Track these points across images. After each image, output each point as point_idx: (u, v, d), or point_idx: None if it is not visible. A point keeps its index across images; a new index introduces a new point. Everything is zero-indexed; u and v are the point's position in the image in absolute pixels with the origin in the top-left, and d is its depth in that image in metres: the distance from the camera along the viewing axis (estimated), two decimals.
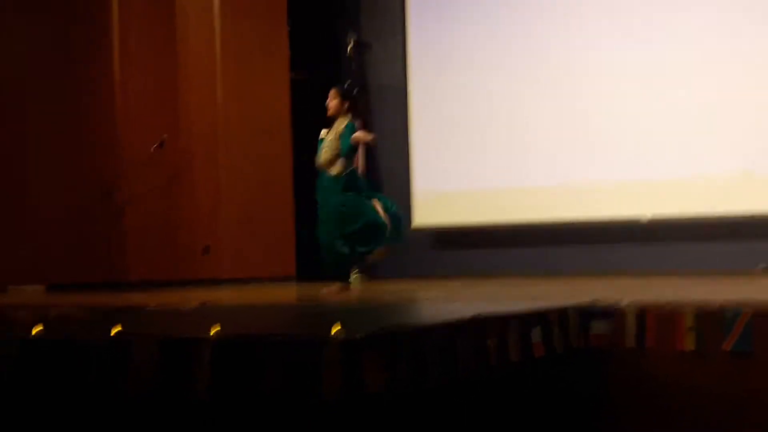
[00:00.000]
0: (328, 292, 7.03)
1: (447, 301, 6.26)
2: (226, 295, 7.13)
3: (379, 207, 7.13)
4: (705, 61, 9.02)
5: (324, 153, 7.08)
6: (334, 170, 7.04)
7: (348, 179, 7.10)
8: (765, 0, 8.88)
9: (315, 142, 7.31)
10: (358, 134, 7.02)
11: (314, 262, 7.41)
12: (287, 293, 7.13)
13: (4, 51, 10.03)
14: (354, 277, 7.27)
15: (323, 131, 7.17)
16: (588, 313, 4.71)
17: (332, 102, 7.12)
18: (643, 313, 4.61)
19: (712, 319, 4.46)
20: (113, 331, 3.61)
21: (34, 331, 3.75)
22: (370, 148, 10.72)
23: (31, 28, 10.09)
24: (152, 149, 9.69)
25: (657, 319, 4.57)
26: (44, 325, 3.89)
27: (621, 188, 9.36)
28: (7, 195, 9.99)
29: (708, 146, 9.00)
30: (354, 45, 10.87)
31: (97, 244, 9.84)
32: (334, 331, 3.19)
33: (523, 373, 4.19)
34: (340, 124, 7.08)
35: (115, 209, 9.66)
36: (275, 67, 10.10)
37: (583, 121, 9.57)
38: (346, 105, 7.14)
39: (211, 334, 3.39)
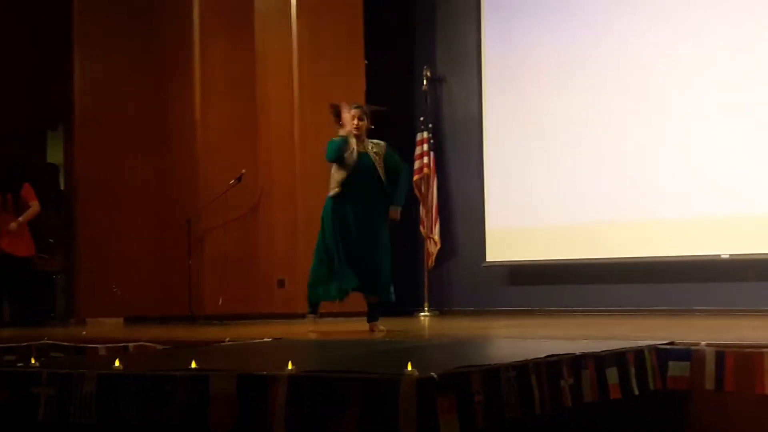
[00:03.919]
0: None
1: (520, 338, 6.22)
2: (301, 330, 7.17)
3: None
4: None
5: (381, 174, 6.98)
6: (384, 193, 7.03)
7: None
8: None
9: None
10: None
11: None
12: (362, 328, 7.13)
13: (98, 91, 10.39)
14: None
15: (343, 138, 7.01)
16: (665, 354, 4.63)
17: (361, 122, 7.03)
18: (722, 354, 4.51)
19: None
20: (190, 366, 3.66)
21: (114, 365, 3.83)
22: (443, 181, 10.77)
23: (121, 71, 10.46)
24: (230, 184, 9.85)
25: (737, 361, 4.47)
26: (122, 360, 3.96)
27: (697, 225, 9.21)
28: (91, 229, 10.25)
29: None
30: (429, 79, 10.93)
31: (174, 277, 10.01)
32: (407, 369, 3.20)
33: (599, 415, 4.13)
34: (376, 146, 7.03)
35: (193, 243, 9.82)
36: (351, 101, 10.14)
37: (657, 157, 9.46)
38: (371, 126, 7.11)
39: (287, 370, 3.43)
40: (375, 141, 7.12)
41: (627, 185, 9.59)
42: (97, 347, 6.33)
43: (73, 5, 10.35)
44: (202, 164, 10.24)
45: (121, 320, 10.07)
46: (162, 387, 3.60)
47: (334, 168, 7.05)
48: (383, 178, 7.01)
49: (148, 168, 10.46)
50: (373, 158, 7.00)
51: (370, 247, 6.92)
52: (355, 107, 7.14)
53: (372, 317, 7.10)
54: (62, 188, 11.04)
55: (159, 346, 6.08)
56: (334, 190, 7.02)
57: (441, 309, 10.66)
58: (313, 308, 7.15)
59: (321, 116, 9.91)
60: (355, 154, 6.96)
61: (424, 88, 10.91)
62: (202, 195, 10.07)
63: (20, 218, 9.54)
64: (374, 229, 6.95)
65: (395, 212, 7.07)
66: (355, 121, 7.01)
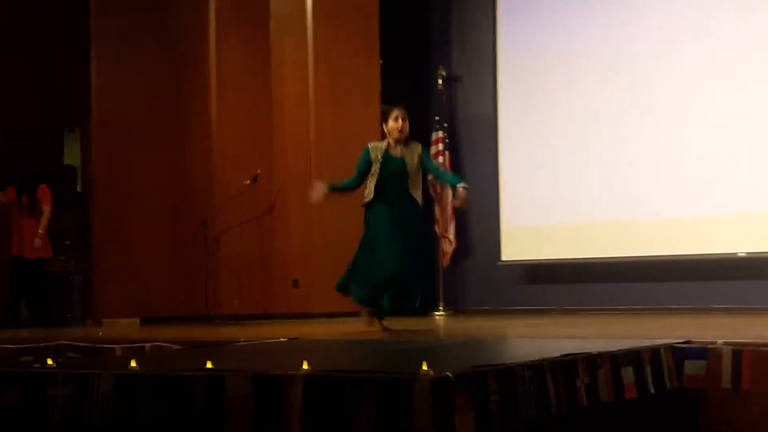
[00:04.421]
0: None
1: (536, 337, 6.21)
2: (316, 330, 7.17)
3: None
4: None
5: (413, 177, 6.93)
6: (418, 196, 6.97)
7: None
8: None
9: None
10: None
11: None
12: (371, 327, 7.12)
13: (114, 93, 10.40)
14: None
15: (374, 146, 6.99)
16: (681, 353, 4.61)
17: (406, 124, 6.97)
18: (739, 353, 4.49)
19: None
20: (206, 366, 3.67)
21: (130, 366, 3.83)
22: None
23: (137, 72, 10.46)
24: (245, 184, 9.86)
25: (754, 360, 4.45)
26: (139, 360, 3.97)
27: (713, 223, 9.18)
28: (108, 230, 10.28)
29: None
30: (444, 78, 10.92)
31: (190, 277, 10.03)
32: (423, 369, 3.19)
33: (615, 415, 4.12)
34: (415, 147, 7.01)
35: (209, 243, 9.83)
36: (367, 101, 10.21)
37: (673, 155, 9.43)
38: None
39: (302, 370, 3.43)
40: (414, 142, 7.08)
41: (642, 183, 9.57)
42: (113, 348, 6.34)
43: (90, 8, 10.39)
44: (218, 165, 10.26)
45: (137, 321, 10.10)
46: (178, 387, 3.61)
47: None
48: (413, 182, 6.93)
49: (164, 169, 10.49)
50: (407, 162, 6.95)
51: (400, 251, 6.83)
52: (399, 108, 7.07)
53: (379, 315, 7.09)
54: (79, 190, 11.08)
55: (175, 347, 6.08)
56: (366, 198, 6.99)
57: (456, 308, 10.66)
58: (343, 290, 7.07)
59: (337, 116, 9.98)
60: (380, 156, 6.92)
61: (439, 87, 10.93)
62: (218, 196, 10.09)
63: (40, 230, 9.65)
64: (405, 232, 6.88)
65: (463, 194, 6.97)
66: (399, 123, 6.95)
